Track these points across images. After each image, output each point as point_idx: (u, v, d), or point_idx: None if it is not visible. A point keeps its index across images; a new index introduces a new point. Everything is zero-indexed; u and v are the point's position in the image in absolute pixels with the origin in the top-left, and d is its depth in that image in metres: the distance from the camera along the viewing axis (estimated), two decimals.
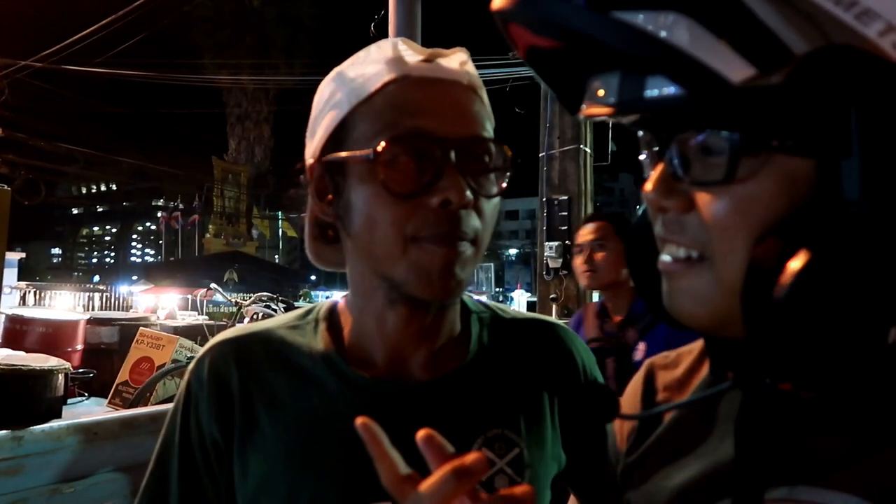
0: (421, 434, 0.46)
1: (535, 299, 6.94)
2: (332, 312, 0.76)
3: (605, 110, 0.47)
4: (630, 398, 0.66)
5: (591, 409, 0.57)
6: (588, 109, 0.49)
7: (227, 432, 0.69)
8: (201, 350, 0.74)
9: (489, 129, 0.69)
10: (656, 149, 0.50)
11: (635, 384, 0.67)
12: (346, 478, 0.65)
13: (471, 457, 0.43)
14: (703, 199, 0.46)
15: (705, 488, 0.51)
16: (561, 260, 5.12)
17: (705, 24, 0.40)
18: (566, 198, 5.36)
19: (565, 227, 5.24)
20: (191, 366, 0.73)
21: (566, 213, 5.29)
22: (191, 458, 0.70)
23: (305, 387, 0.69)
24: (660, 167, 0.48)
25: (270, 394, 0.69)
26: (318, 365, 0.70)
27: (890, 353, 0.40)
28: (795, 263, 0.40)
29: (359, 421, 0.48)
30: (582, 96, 0.50)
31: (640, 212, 0.57)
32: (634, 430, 0.63)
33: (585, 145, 5.46)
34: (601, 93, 0.47)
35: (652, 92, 0.44)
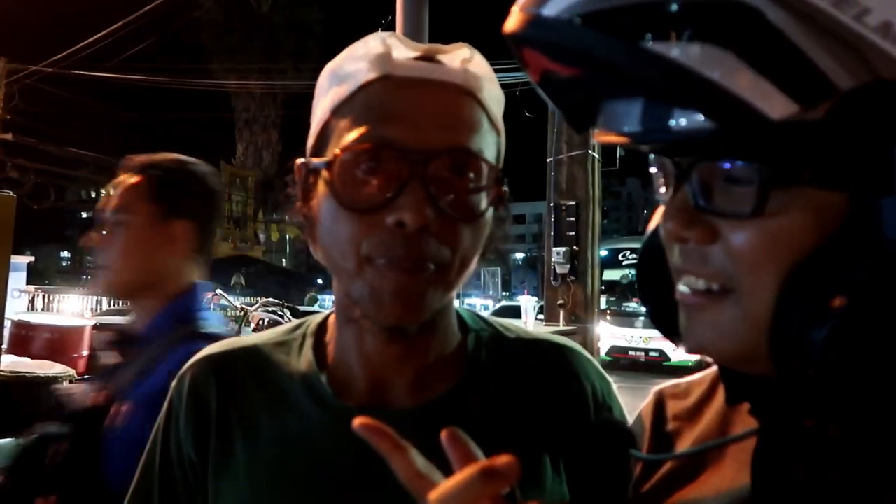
0: (445, 433, 0.44)
1: (541, 304, 6.91)
2: (322, 327, 0.71)
3: (623, 139, 0.45)
4: (636, 428, 0.64)
5: (601, 447, 0.54)
6: (604, 136, 0.47)
7: (202, 453, 0.66)
8: (185, 365, 0.72)
9: (480, 140, 0.60)
10: (673, 174, 0.47)
11: (644, 413, 0.65)
12: None
13: (501, 459, 0.41)
14: (728, 230, 0.44)
15: None
16: (569, 265, 5.11)
17: (745, 58, 0.38)
18: (574, 203, 5.35)
19: (573, 233, 5.22)
20: (174, 381, 0.71)
21: (574, 219, 5.28)
22: (170, 475, 0.68)
23: (283, 410, 0.65)
24: (679, 196, 0.46)
25: (248, 416, 0.66)
26: (297, 387, 0.66)
27: None
28: (834, 303, 0.39)
29: (356, 423, 0.45)
30: (594, 118, 0.48)
31: (648, 234, 0.54)
32: (641, 464, 0.60)
33: (594, 150, 5.45)
34: (621, 120, 0.45)
35: (679, 122, 0.42)
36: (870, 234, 0.40)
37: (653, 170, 0.51)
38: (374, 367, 0.65)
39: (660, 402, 0.64)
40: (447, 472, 0.43)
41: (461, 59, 0.62)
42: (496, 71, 0.68)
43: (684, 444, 0.58)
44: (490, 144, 0.62)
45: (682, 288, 0.48)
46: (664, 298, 0.51)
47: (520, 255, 47.94)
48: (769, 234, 0.42)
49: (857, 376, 0.39)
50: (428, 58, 0.61)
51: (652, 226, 0.54)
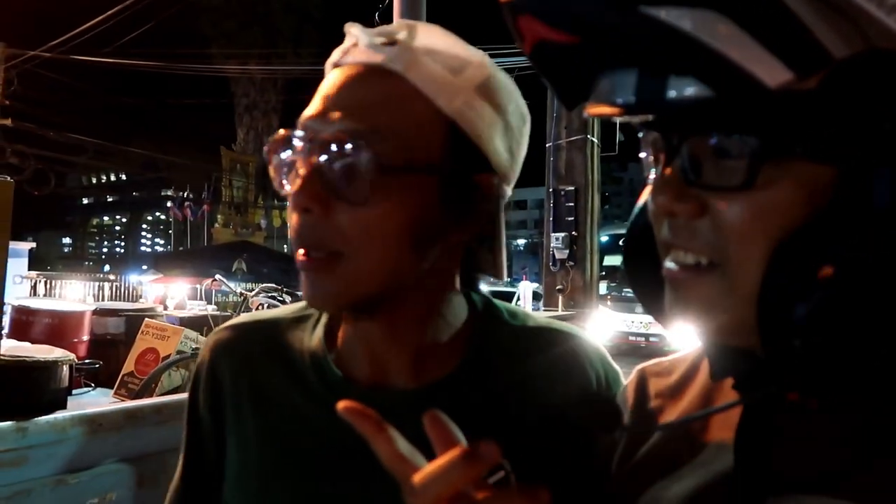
0: (427, 415, 0.44)
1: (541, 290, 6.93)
2: None
3: (618, 110, 0.45)
4: (622, 406, 0.65)
5: (591, 421, 0.54)
6: (597, 108, 0.46)
7: (217, 418, 0.70)
8: (214, 330, 0.76)
9: (388, 121, 0.57)
10: (663, 150, 0.47)
11: (626, 392, 0.65)
12: (321, 484, 0.64)
13: (483, 444, 0.41)
14: (718, 204, 0.44)
15: (705, 497, 0.49)
16: (567, 251, 5.11)
17: (742, 24, 0.38)
18: (573, 188, 5.34)
19: (572, 218, 5.22)
20: (204, 345, 0.75)
21: (573, 204, 5.27)
22: (195, 433, 0.72)
23: (292, 385, 0.68)
24: (669, 169, 0.46)
25: (259, 388, 0.68)
26: (307, 363, 0.68)
27: None
28: (821, 275, 0.39)
29: (340, 406, 0.45)
30: (586, 93, 0.48)
31: (636, 212, 0.54)
32: (623, 441, 0.61)
33: (593, 135, 5.43)
34: (614, 91, 0.44)
35: (673, 92, 0.41)
36: (859, 207, 0.40)
37: (643, 152, 0.51)
38: (367, 348, 0.66)
39: (642, 380, 0.64)
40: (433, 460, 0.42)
41: (397, 36, 0.61)
42: (494, 55, 0.67)
43: (668, 421, 0.58)
44: (409, 124, 0.59)
45: (668, 264, 0.48)
46: (651, 277, 0.51)
47: (521, 241, 47.88)
48: (758, 208, 0.42)
49: (841, 349, 0.39)
50: (378, 41, 0.61)
51: (640, 203, 0.54)
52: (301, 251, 0.59)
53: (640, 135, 0.51)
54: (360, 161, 0.56)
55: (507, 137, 0.64)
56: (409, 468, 0.43)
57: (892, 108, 0.38)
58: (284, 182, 0.61)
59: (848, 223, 0.40)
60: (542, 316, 0.77)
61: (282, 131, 0.61)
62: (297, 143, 0.59)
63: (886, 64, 0.38)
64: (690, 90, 0.40)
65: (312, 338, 0.70)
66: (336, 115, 0.58)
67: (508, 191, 0.66)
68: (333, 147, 0.57)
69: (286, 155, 0.60)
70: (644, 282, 0.53)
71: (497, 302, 0.74)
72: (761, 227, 0.42)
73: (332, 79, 0.61)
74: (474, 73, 0.61)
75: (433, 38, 0.61)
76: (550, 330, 0.72)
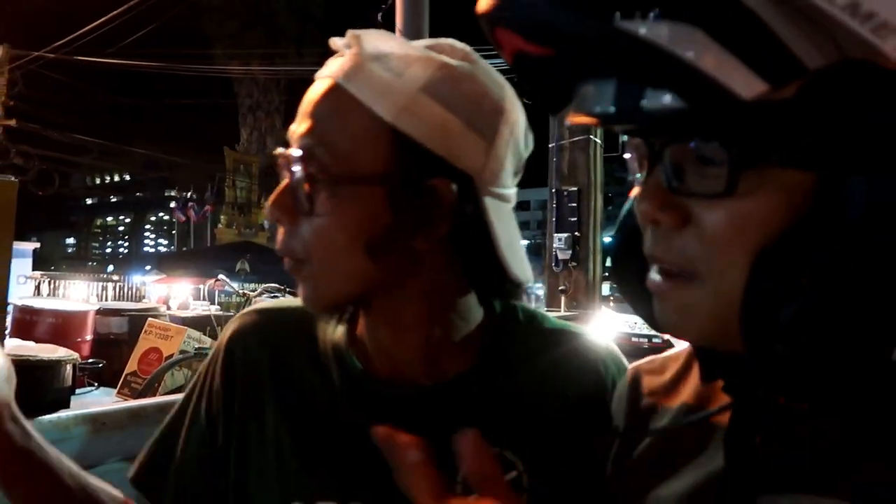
0: (461, 434, 0.41)
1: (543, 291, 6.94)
2: None
3: (595, 120, 0.45)
4: (615, 405, 0.65)
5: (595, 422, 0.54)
6: (577, 117, 0.47)
7: (228, 399, 0.70)
8: (240, 313, 0.77)
9: (329, 131, 0.60)
10: (648, 155, 0.47)
11: (620, 390, 0.65)
12: (334, 474, 0.65)
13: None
14: (700, 211, 0.44)
15: (698, 498, 0.50)
16: (570, 251, 5.11)
17: (716, 37, 0.38)
18: (576, 189, 5.33)
19: (575, 219, 5.22)
20: (227, 325, 0.76)
21: (576, 205, 5.27)
22: (204, 409, 0.72)
23: (313, 374, 0.69)
24: (652, 178, 0.46)
25: (282, 373, 0.69)
26: (329, 354, 0.69)
27: (889, 369, 0.40)
28: (800, 282, 0.40)
29: (379, 431, 0.43)
30: (567, 101, 0.48)
31: (623, 214, 0.54)
32: (618, 439, 0.62)
33: (595, 136, 5.43)
34: (593, 100, 0.45)
35: (650, 102, 0.41)
36: (837, 215, 0.40)
37: (627, 154, 0.51)
38: (380, 343, 0.68)
39: (636, 379, 0.64)
40: (451, 455, 0.40)
41: (345, 46, 0.62)
42: (494, 57, 0.66)
43: (661, 420, 0.58)
44: (347, 135, 0.60)
45: (653, 276, 0.49)
46: (641, 282, 0.51)
47: (524, 242, 47.86)
48: (740, 215, 0.43)
49: (822, 354, 0.40)
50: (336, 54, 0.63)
51: (625, 207, 0.55)
52: (283, 258, 0.64)
53: (625, 139, 0.51)
54: (308, 174, 0.60)
55: (470, 133, 0.60)
56: None
57: (866, 117, 0.39)
58: None
59: (828, 230, 0.40)
60: (556, 318, 0.77)
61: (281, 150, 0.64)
62: (280, 157, 0.63)
63: (860, 74, 0.38)
64: (667, 100, 0.41)
65: (336, 330, 0.71)
66: (301, 130, 0.62)
67: (501, 190, 0.64)
68: (293, 161, 0.61)
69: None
70: (633, 287, 0.53)
71: (518, 305, 0.73)
72: (743, 235, 0.43)
73: (307, 93, 0.64)
74: (419, 72, 0.59)
75: (381, 42, 0.60)
76: (564, 332, 0.72)
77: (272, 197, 0.63)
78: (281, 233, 0.63)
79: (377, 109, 0.59)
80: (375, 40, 0.60)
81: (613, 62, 0.41)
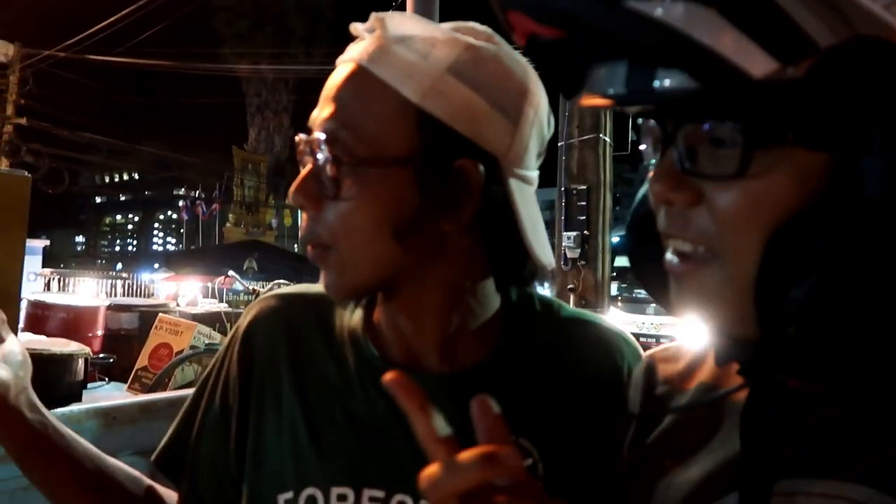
0: (476, 400, 0.44)
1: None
2: None
3: (608, 102, 0.45)
4: (631, 392, 0.65)
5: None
6: (589, 99, 0.47)
7: (244, 385, 0.70)
8: (257, 299, 0.77)
9: (356, 115, 0.59)
10: (661, 138, 0.48)
11: (636, 378, 0.65)
12: (348, 460, 0.64)
13: (506, 448, 0.41)
14: (713, 192, 0.44)
15: (714, 482, 0.50)
16: (579, 250, 5.10)
17: (726, 16, 0.38)
18: (585, 188, 5.33)
19: (584, 217, 5.21)
20: (247, 309, 0.76)
21: (585, 203, 5.26)
22: (214, 395, 0.72)
23: (329, 359, 0.69)
24: (666, 159, 0.47)
25: (299, 357, 0.69)
26: (345, 340, 0.70)
27: None
28: (814, 262, 0.39)
29: (388, 377, 0.45)
30: (580, 84, 0.48)
31: (637, 200, 0.54)
32: (634, 426, 0.62)
33: (605, 135, 5.42)
34: (606, 82, 0.45)
35: (663, 83, 0.41)
36: (852, 194, 0.40)
37: (642, 143, 0.51)
38: (398, 331, 0.67)
39: (651, 366, 0.64)
40: (472, 442, 0.42)
41: (368, 30, 0.61)
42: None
43: (677, 405, 0.59)
44: (375, 117, 0.59)
45: (668, 256, 0.49)
46: (656, 266, 0.51)
47: None
48: (753, 196, 0.43)
49: (835, 337, 0.40)
50: (358, 38, 0.63)
51: (640, 193, 0.55)
52: (307, 246, 0.63)
53: (639, 121, 0.51)
54: (333, 158, 0.59)
55: (496, 114, 0.60)
56: (442, 451, 0.43)
57: (879, 94, 0.39)
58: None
59: (841, 210, 0.40)
60: (572, 307, 0.77)
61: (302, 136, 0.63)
62: (301, 143, 0.62)
63: (873, 50, 0.38)
64: (679, 81, 0.41)
65: (353, 316, 0.71)
66: (324, 114, 0.61)
67: (525, 172, 0.64)
68: (318, 146, 0.60)
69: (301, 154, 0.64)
70: (649, 270, 0.54)
71: (533, 293, 0.73)
72: (756, 216, 0.42)
73: (329, 78, 0.63)
74: (445, 52, 0.59)
75: (405, 25, 0.60)
76: (581, 320, 0.72)
77: (295, 183, 0.62)
78: (305, 220, 0.63)
79: (404, 91, 0.58)
80: (399, 22, 0.60)
81: (626, 44, 0.41)
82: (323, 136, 0.60)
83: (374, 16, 0.61)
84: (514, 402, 0.63)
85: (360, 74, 0.60)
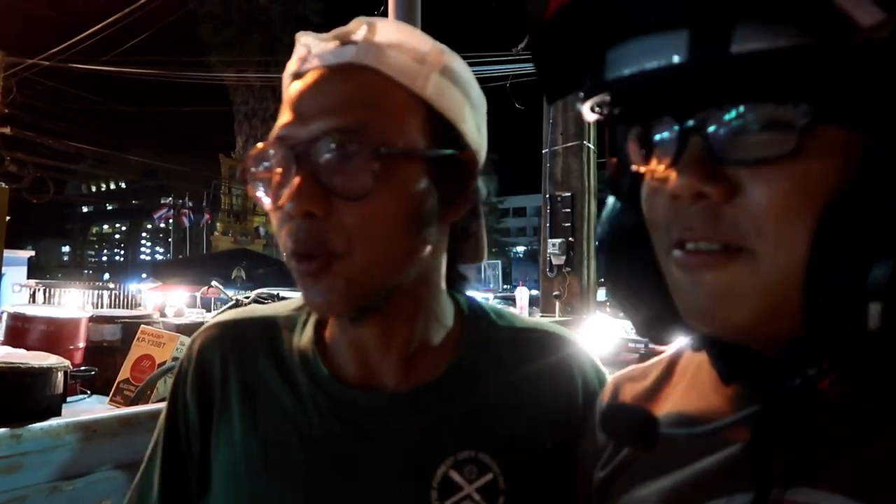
0: None
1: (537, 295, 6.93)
2: None
3: (645, 77, 0.41)
4: (597, 413, 0.64)
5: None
6: (618, 71, 0.43)
7: (205, 415, 0.69)
8: (199, 329, 0.74)
9: (370, 114, 0.58)
10: (678, 132, 0.43)
11: (602, 401, 0.65)
12: (303, 485, 0.63)
13: None
14: (753, 180, 0.41)
15: (691, 495, 0.49)
16: (564, 257, 5.12)
17: None
18: (569, 194, 5.35)
19: (568, 224, 5.24)
20: (188, 343, 0.73)
21: (569, 210, 5.29)
22: (175, 433, 0.71)
23: (280, 382, 0.68)
24: (689, 151, 0.42)
25: (248, 384, 0.68)
26: (295, 361, 0.68)
27: None
28: (880, 246, 0.37)
29: None
30: (581, 78, 0.46)
31: (610, 209, 0.52)
32: (606, 445, 0.60)
33: (589, 141, 5.45)
34: (652, 54, 0.41)
35: (742, 45, 0.38)
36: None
37: (632, 143, 0.48)
38: (356, 350, 0.66)
39: (616, 388, 0.64)
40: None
41: (358, 34, 0.62)
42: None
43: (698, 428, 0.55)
44: (392, 112, 0.60)
45: (689, 246, 0.45)
46: (639, 286, 0.49)
47: (521, 249, 47.85)
48: (801, 180, 0.40)
49: None
50: (336, 43, 0.62)
51: (612, 205, 0.53)
52: (300, 258, 0.59)
53: (625, 127, 0.48)
54: (355, 155, 0.56)
55: (474, 116, 0.66)
56: None
57: None
58: (266, 196, 0.60)
59: (892, 189, 0.38)
60: (528, 317, 0.78)
61: (259, 145, 0.60)
62: (281, 153, 0.58)
63: None
64: (761, 45, 0.38)
65: (303, 337, 0.70)
66: (318, 117, 0.58)
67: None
68: (325, 146, 0.57)
69: (267, 168, 0.60)
70: (629, 290, 0.51)
71: (482, 302, 0.74)
72: (806, 200, 0.40)
73: (300, 86, 0.61)
74: (435, 58, 0.64)
75: (392, 32, 0.63)
76: (538, 331, 0.72)
77: (294, 191, 0.57)
78: (308, 227, 0.58)
79: (415, 88, 0.61)
80: (386, 30, 0.63)
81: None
82: (335, 135, 0.57)
83: (361, 20, 0.62)
84: (473, 417, 0.64)
85: (365, 74, 0.60)
